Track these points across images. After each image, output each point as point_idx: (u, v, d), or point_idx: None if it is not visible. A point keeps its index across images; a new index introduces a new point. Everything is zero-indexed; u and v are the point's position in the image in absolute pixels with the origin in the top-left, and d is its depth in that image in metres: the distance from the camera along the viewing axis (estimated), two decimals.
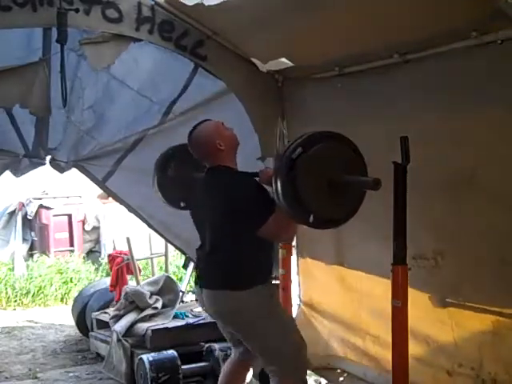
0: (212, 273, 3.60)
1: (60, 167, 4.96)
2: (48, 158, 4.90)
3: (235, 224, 3.44)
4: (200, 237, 3.76)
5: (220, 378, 3.92)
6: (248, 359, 3.84)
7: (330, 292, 4.76)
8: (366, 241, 4.04)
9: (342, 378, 4.61)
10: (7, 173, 4.90)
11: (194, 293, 7.34)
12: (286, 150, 3.06)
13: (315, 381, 4.94)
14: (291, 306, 4.61)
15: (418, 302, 3.77)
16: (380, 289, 3.92)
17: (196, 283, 3.77)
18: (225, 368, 3.97)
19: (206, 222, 3.65)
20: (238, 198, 3.43)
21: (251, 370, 3.96)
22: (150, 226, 5.46)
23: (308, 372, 4.42)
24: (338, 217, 3.16)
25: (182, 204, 4.27)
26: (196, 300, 3.88)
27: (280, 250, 4.50)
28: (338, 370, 4.60)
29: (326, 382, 4.71)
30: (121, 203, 5.40)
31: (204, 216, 3.67)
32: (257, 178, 3.62)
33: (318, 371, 4.71)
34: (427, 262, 3.72)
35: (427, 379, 3.87)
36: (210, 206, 3.60)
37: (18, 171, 4.84)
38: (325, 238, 4.56)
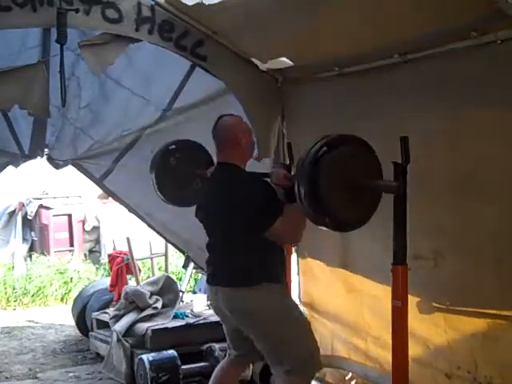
0: (223, 270, 3.62)
1: (57, 164, 4.99)
2: (45, 155, 4.93)
3: (243, 223, 3.46)
4: (208, 234, 3.77)
5: (212, 378, 3.93)
6: (243, 362, 3.88)
7: (332, 292, 4.76)
8: (367, 241, 4.03)
9: (342, 378, 4.61)
10: (7, 173, 4.93)
11: (194, 293, 7.36)
12: (311, 148, 3.04)
13: (315, 381, 4.94)
14: None
15: (415, 302, 3.77)
16: (382, 289, 3.92)
17: (208, 281, 3.78)
18: (218, 369, 3.99)
19: (215, 219, 3.66)
20: (247, 198, 3.45)
21: (244, 372, 3.95)
22: (148, 224, 5.47)
23: None
24: (354, 220, 3.15)
25: (182, 201, 4.28)
26: (207, 297, 3.90)
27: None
28: (340, 370, 4.59)
29: (325, 382, 4.71)
30: (119, 202, 5.42)
31: (212, 213, 3.68)
32: (267, 179, 3.64)
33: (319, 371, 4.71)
34: (426, 262, 3.71)
35: (426, 381, 3.87)
36: (219, 205, 3.61)
37: (17, 165, 4.88)
38: (326, 238, 4.56)
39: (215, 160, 3.86)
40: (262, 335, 3.60)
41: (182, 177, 4.24)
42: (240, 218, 3.46)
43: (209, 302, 3.83)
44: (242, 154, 3.69)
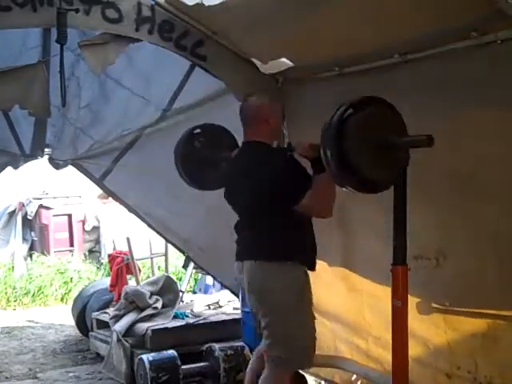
0: (251, 246, 3.64)
1: (57, 164, 4.99)
2: (45, 155, 4.93)
3: (272, 198, 3.49)
4: (237, 212, 3.80)
5: (248, 367, 3.95)
6: None
7: (333, 291, 4.76)
8: (368, 241, 4.03)
9: (349, 379, 4.61)
10: (7, 173, 4.93)
11: (194, 293, 7.37)
12: (337, 110, 3.04)
13: (315, 380, 4.95)
14: None
15: (415, 303, 3.77)
16: (382, 289, 3.92)
17: (236, 258, 3.78)
18: (253, 358, 4.00)
19: (243, 196, 3.67)
20: (275, 173, 3.48)
21: None
22: (148, 224, 5.47)
23: (309, 371, 4.45)
24: (382, 179, 3.13)
25: (207, 184, 4.34)
26: (235, 279, 3.96)
27: None
28: (340, 371, 4.59)
29: (325, 381, 4.72)
30: (119, 202, 5.42)
31: (240, 191, 3.70)
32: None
33: (319, 371, 4.70)
34: (428, 262, 3.71)
35: (427, 382, 3.87)
36: (246, 181, 3.62)
37: (16, 166, 4.88)
38: (327, 238, 4.55)
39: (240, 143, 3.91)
40: (271, 314, 3.58)
41: (207, 160, 4.27)
42: (269, 193, 3.49)
43: (236, 280, 3.90)
44: (270, 133, 3.71)
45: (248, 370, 3.98)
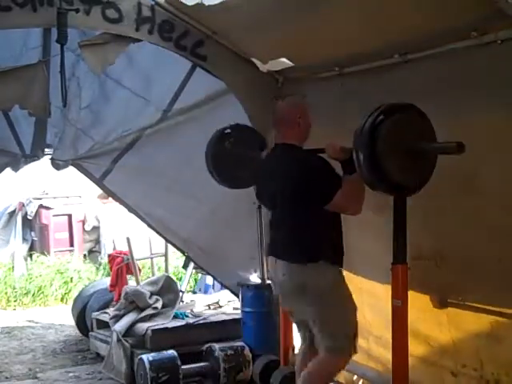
0: (283, 245, 3.76)
1: (57, 165, 4.98)
2: (46, 156, 4.93)
3: (304, 198, 3.61)
4: (268, 210, 4.01)
5: (296, 367, 4.04)
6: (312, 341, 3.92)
7: None
8: (368, 240, 4.03)
9: (351, 379, 4.61)
10: (7, 173, 4.92)
11: (194, 293, 7.37)
12: (369, 115, 3.12)
13: None
14: None
15: (419, 302, 3.77)
16: (383, 289, 3.92)
17: (268, 253, 3.94)
18: (298, 358, 4.09)
19: (276, 196, 3.78)
20: (307, 173, 3.60)
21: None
22: (148, 224, 5.47)
23: None
24: (411, 183, 3.21)
25: (237, 182, 4.48)
26: (268, 271, 4.18)
27: None
28: (343, 370, 4.58)
29: (337, 382, 4.69)
30: (119, 202, 5.42)
31: (272, 191, 3.81)
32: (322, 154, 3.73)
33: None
34: (429, 261, 3.71)
35: (433, 380, 3.87)
36: (279, 182, 3.74)
37: (16, 168, 4.88)
38: None
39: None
40: (310, 311, 3.71)
41: (237, 159, 4.40)
42: (301, 194, 3.61)
43: (268, 273, 4.12)
44: (300, 135, 3.81)
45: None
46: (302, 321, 3.90)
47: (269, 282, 5.19)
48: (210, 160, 4.44)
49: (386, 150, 3.06)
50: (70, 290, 9.03)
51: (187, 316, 5.79)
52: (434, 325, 3.83)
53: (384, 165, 3.07)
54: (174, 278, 6.59)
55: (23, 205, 10.28)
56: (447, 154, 3.15)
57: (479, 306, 3.52)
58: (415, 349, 3.83)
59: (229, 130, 4.49)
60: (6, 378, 5.75)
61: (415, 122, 3.17)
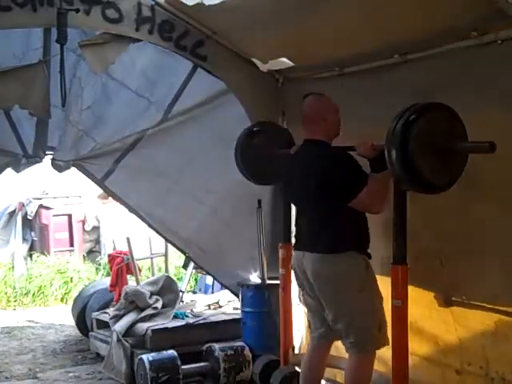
0: (311, 238, 3.82)
1: (59, 166, 4.97)
2: (47, 157, 4.91)
3: (330, 194, 3.67)
4: (295, 206, 4.13)
5: (304, 365, 4.06)
6: (326, 343, 3.98)
7: None
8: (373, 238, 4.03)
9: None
10: (7, 173, 4.92)
11: (194, 293, 7.37)
12: (402, 114, 3.14)
13: (325, 381, 4.93)
14: (291, 305, 4.61)
15: (423, 301, 3.78)
16: (384, 288, 3.92)
17: (295, 247, 4.01)
18: (306, 358, 4.10)
19: (303, 192, 3.85)
20: (334, 170, 3.64)
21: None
22: (149, 225, 5.46)
23: None
24: (442, 182, 3.22)
25: (264, 178, 4.57)
26: (291, 267, 4.16)
27: (280, 250, 4.49)
28: (342, 371, 4.58)
29: (327, 381, 4.70)
30: (120, 202, 5.41)
31: (300, 188, 3.88)
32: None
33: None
34: (432, 261, 3.71)
35: (436, 378, 3.87)
36: (306, 178, 3.79)
37: (18, 168, 4.87)
38: None
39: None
40: (336, 300, 3.75)
41: (266, 156, 4.45)
42: (328, 190, 3.67)
43: (292, 267, 4.09)
44: (328, 131, 3.85)
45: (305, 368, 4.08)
46: (322, 317, 3.89)
47: (269, 282, 5.21)
48: (239, 157, 4.51)
49: (418, 149, 3.08)
50: (69, 290, 9.02)
51: (187, 316, 5.79)
52: (440, 323, 3.83)
53: (416, 163, 3.09)
54: (174, 278, 6.59)
55: (23, 205, 10.28)
56: (479, 153, 3.16)
57: (487, 303, 3.52)
58: (420, 348, 3.83)
59: (257, 128, 4.58)
60: (6, 378, 5.74)
61: (447, 121, 3.17)
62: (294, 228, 4.21)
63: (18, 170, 4.89)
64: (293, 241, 4.16)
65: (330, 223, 3.74)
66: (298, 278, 4.02)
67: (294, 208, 4.28)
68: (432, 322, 3.84)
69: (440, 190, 3.24)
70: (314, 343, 4.05)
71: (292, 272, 4.16)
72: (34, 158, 4.86)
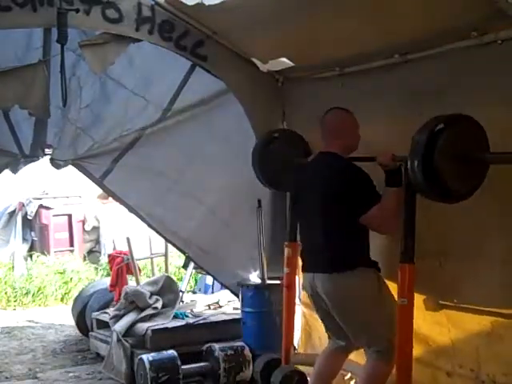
0: (321, 256, 3.77)
1: (58, 165, 4.98)
2: (46, 156, 4.92)
3: (341, 210, 3.63)
4: (304, 220, 4.01)
5: (315, 366, 4.05)
6: (345, 351, 3.98)
7: None
8: (372, 240, 4.03)
9: (342, 378, 4.60)
10: (7, 173, 4.91)
11: (194, 293, 7.37)
12: (426, 124, 3.13)
13: None
14: (294, 305, 4.61)
15: (419, 302, 3.77)
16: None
17: (304, 269, 3.96)
18: (320, 358, 4.09)
19: (314, 205, 3.80)
20: (345, 185, 3.62)
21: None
22: (148, 224, 5.46)
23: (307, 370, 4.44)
24: (464, 191, 3.22)
25: (279, 185, 4.62)
26: (303, 286, 4.16)
27: (286, 249, 4.49)
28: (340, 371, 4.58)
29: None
30: (119, 202, 5.41)
31: (311, 201, 3.83)
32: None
33: None
34: (431, 261, 3.71)
35: (426, 380, 3.87)
36: (318, 192, 3.76)
37: (15, 169, 4.87)
38: None
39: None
40: (355, 317, 3.74)
41: (283, 163, 4.46)
42: (338, 205, 3.64)
43: (303, 291, 4.14)
44: (346, 146, 3.83)
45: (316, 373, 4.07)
46: (342, 332, 3.88)
47: (269, 282, 5.21)
48: (256, 162, 4.55)
49: (443, 158, 3.08)
50: (69, 290, 9.03)
51: (187, 316, 5.79)
52: (434, 325, 3.83)
53: (440, 173, 3.09)
54: (174, 278, 6.59)
55: (23, 205, 10.29)
56: (506, 164, 3.19)
57: (481, 305, 3.51)
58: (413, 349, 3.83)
59: (276, 134, 4.63)
60: (6, 378, 5.74)
61: (470, 132, 3.16)
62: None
63: (14, 171, 4.89)
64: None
65: (337, 238, 3.71)
66: (313, 302, 3.97)
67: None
68: (426, 323, 3.83)
69: (461, 198, 3.25)
70: (333, 348, 4.04)
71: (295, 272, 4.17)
72: (32, 158, 4.86)
